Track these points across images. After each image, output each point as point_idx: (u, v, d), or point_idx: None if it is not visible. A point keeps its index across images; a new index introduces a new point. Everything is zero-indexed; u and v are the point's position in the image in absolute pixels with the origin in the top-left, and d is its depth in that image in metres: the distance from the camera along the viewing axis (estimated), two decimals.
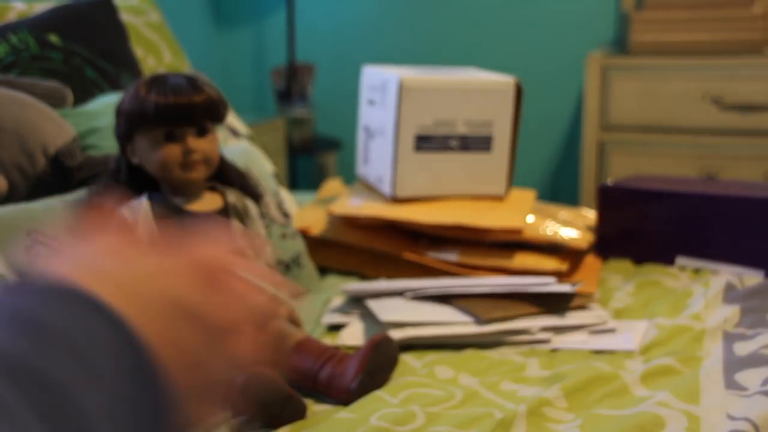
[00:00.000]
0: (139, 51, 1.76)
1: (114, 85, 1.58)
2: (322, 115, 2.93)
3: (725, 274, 1.37)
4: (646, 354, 1.14)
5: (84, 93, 1.52)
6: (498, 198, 1.55)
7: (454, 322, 1.21)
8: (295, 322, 1.26)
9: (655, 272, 1.46)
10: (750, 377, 1.00)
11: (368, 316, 1.28)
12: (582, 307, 1.28)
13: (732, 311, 1.22)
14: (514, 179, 1.60)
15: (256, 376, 0.97)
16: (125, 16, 1.77)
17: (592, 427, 0.92)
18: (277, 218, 1.44)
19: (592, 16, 2.63)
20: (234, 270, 0.40)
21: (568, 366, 1.10)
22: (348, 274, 1.52)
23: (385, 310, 1.23)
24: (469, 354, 1.17)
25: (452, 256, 1.42)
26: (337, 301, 1.37)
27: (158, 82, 1.16)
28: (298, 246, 1.46)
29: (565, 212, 1.58)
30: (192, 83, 1.16)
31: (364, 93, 1.63)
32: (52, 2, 1.74)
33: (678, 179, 1.67)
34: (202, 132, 1.17)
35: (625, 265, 1.51)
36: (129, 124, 1.16)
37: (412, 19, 2.81)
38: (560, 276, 1.37)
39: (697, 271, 1.45)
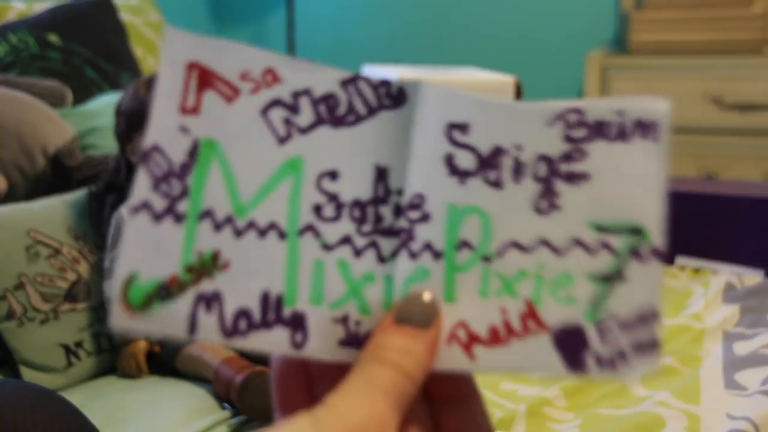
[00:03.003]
0: (138, 51, 1.76)
1: (114, 85, 1.58)
2: None
3: (725, 274, 1.37)
4: None
5: (84, 93, 1.52)
6: None
7: None
8: None
9: None
10: (750, 377, 1.00)
11: None
12: None
13: (732, 311, 1.22)
14: None
15: (256, 375, 0.97)
16: (125, 16, 1.77)
17: (592, 426, 0.92)
18: None
19: (592, 16, 2.63)
20: None
21: None
22: None
23: None
24: None
25: None
26: None
27: None
28: None
29: None
30: None
31: None
32: (52, 2, 1.74)
33: (678, 179, 1.67)
34: None
35: None
36: (128, 123, 1.16)
37: (412, 18, 2.81)
38: None
39: (696, 270, 1.45)
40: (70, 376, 1.10)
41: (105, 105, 1.44)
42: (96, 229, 1.19)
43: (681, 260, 1.47)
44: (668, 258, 1.49)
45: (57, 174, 1.28)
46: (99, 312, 1.15)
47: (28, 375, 1.08)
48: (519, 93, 1.54)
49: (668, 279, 1.43)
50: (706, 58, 2.21)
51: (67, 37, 1.55)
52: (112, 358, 1.14)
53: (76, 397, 1.05)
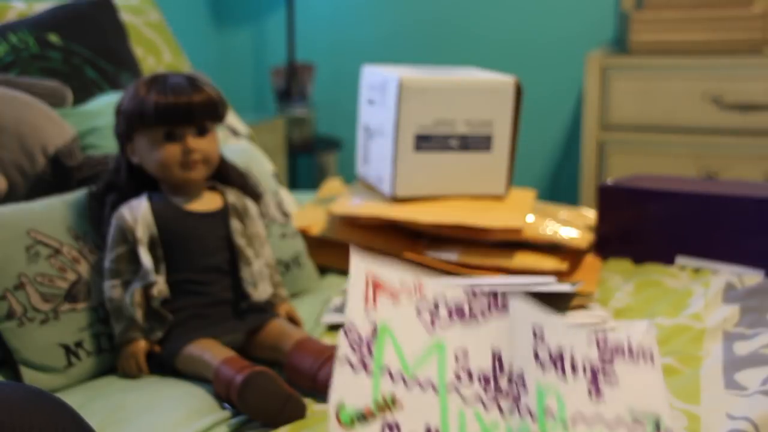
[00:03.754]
0: (139, 51, 1.76)
1: (114, 85, 1.58)
2: (322, 114, 2.93)
3: (725, 274, 1.37)
4: None
5: (84, 93, 1.52)
6: (498, 197, 1.55)
7: None
8: (295, 321, 1.26)
9: (655, 272, 1.46)
10: (750, 377, 1.00)
11: None
12: (582, 307, 1.28)
13: (732, 311, 1.22)
14: (514, 179, 1.60)
15: (256, 375, 0.97)
16: (125, 16, 1.77)
17: None
18: (276, 218, 1.44)
19: (592, 15, 2.63)
20: None
21: None
22: (348, 273, 1.52)
23: None
24: None
25: (452, 256, 1.42)
26: (337, 301, 1.37)
27: (158, 81, 1.16)
28: (298, 245, 1.46)
29: (564, 212, 1.58)
30: (192, 83, 1.16)
31: (364, 93, 1.63)
32: (52, 2, 1.74)
33: (678, 179, 1.67)
34: (202, 132, 1.17)
35: (624, 264, 1.51)
36: (129, 123, 1.16)
37: (412, 18, 2.81)
38: (560, 275, 1.37)
39: (697, 270, 1.45)
40: (70, 376, 1.10)
41: (105, 105, 1.44)
42: (96, 229, 1.19)
43: (681, 260, 1.47)
44: (668, 258, 1.49)
45: (57, 174, 1.28)
46: (99, 312, 1.15)
47: (28, 375, 1.08)
48: (519, 93, 1.54)
49: (668, 279, 1.43)
50: (705, 58, 2.21)
51: (67, 37, 1.55)
52: (112, 358, 1.14)
53: (76, 397, 1.05)
